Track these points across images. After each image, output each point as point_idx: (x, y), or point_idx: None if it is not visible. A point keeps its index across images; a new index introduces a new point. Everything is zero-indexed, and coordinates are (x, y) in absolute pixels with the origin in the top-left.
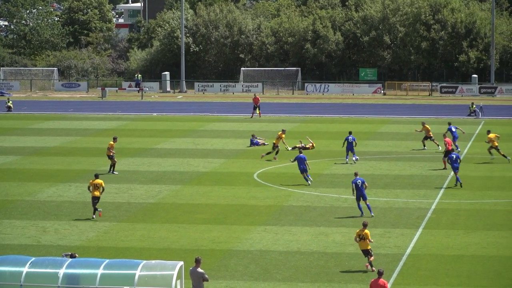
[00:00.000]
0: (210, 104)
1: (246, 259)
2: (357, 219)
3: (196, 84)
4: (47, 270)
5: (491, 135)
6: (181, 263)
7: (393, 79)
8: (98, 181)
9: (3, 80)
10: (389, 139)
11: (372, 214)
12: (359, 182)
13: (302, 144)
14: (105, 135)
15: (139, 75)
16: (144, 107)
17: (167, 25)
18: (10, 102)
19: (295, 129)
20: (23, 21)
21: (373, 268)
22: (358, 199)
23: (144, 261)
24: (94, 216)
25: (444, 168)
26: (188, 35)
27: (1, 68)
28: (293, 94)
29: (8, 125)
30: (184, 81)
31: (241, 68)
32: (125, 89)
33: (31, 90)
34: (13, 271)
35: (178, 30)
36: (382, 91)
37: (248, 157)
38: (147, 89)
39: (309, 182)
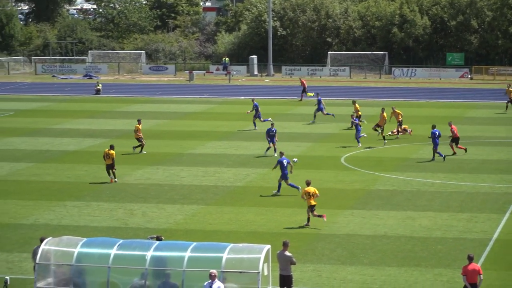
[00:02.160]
0: (297, 88)
1: (333, 243)
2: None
3: (283, 67)
4: (135, 252)
5: None
6: (268, 246)
7: (480, 64)
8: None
9: (91, 63)
10: (476, 123)
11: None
12: (285, 161)
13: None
14: (192, 118)
15: (227, 59)
16: (231, 91)
17: (255, 8)
18: (100, 85)
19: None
20: (111, 5)
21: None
22: (283, 178)
23: (232, 244)
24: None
25: (453, 153)
26: (275, 18)
27: (89, 51)
28: (380, 78)
29: (96, 108)
30: (271, 65)
31: (328, 52)
32: (212, 72)
33: (118, 73)
34: (101, 253)
35: (265, 13)
36: (469, 76)
37: (335, 141)
38: (234, 72)
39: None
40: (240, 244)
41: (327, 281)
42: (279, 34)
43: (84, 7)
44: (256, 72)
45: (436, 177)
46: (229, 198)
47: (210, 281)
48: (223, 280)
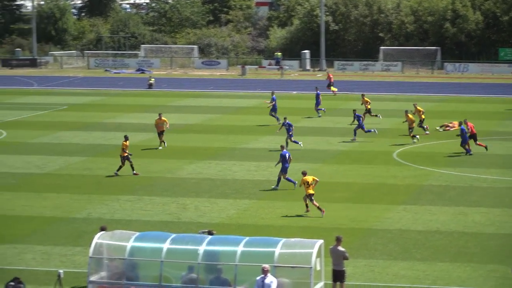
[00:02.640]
0: (350, 83)
1: (385, 238)
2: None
3: (335, 62)
4: (187, 246)
5: None
6: (321, 241)
7: None
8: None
9: (144, 57)
10: None
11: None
12: (287, 155)
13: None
14: (245, 112)
15: (279, 53)
16: (283, 85)
17: (307, 3)
18: (153, 79)
19: (434, 108)
20: None
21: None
22: (283, 171)
23: (284, 239)
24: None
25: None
26: (327, 13)
27: (142, 45)
28: (432, 73)
29: (149, 102)
30: (324, 60)
31: (380, 47)
32: (265, 67)
33: (171, 68)
34: (154, 247)
35: (317, 8)
36: None
37: (387, 136)
38: (287, 67)
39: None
40: (293, 239)
41: (380, 276)
42: (331, 29)
43: (137, 1)
44: (308, 67)
45: (489, 173)
46: (281, 193)
47: (262, 275)
48: (275, 275)
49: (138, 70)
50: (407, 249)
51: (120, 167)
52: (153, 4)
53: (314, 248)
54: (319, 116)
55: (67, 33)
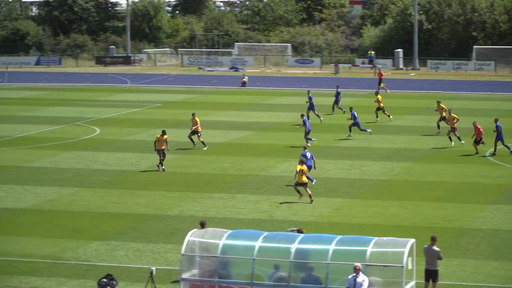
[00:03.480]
0: (442, 82)
1: (477, 237)
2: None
3: (428, 61)
4: (279, 245)
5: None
6: (413, 240)
7: None
8: (165, 137)
9: (237, 55)
10: None
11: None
12: (308, 155)
13: None
14: (338, 111)
15: (372, 52)
16: (376, 84)
17: (400, 2)
18: (246, 77)
19: None
20: None
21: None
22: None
23: (376, 238)
24: (161, 168)
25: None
26: (421, 12)
27: (235, 43)
28: None
29: (242, 100)
30: (416, 59)
31: (474, 46)
32: (358, 65)
33: (264, 66)
34: (247, 245)
35: (411, 7)
36: None
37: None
38: (380, 66)
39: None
40: (385, 238)
41: (471, 276)
42: (424, 27)
43: None
44: (401, 66)
45: None
46: (374, 191)
47: (354, 274)
48: (367, 274)
49: (231, 68)
50: (499, 249)
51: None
52: (247, 2)
53: (406, 247)
54: (331, 114)
55: (161, 31)
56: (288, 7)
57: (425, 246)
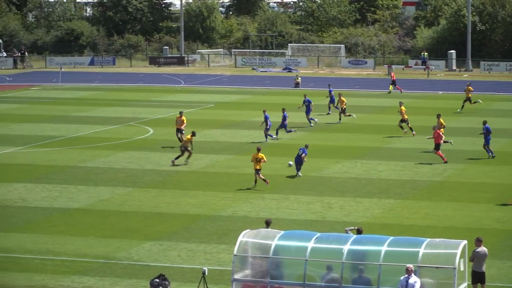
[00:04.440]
0: (495, 84)
1: None
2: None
3: (481, 63)
4: (332, 245)
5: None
6: (465, 242)
7: None
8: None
9: (290, 56)
10: None
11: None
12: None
13: None
14: (390, 112)
15: (426, 53)
16: (429, 85)
17: (454, 3)
18: (299, 78)
19: None
20: None
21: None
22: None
23: (428, 239)
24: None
25: (445, 162)
26: (474, 13)
27: (289, 44)
28: None
29: (295, 101)
30: (470, 60)
31: None
32: (411, 67)
33: (318, 67)
34: (299, 246)
35: (464, 8)
36: None
37: None
38: (433, 67)
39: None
40: (437, 239)
41: None
42: (477, 29)
43: (285, 0)
44: (454, 67)
45: None
46: (426, 192)
47: (406, 275)
48: (419, 275)
49: (285, 68)
50: None
51: (186, 155)
52: (301, 3)
53: (458, 249)
54: (328, 113)
55: (215, 32)
56: (342, 7)
57: (476, 249)
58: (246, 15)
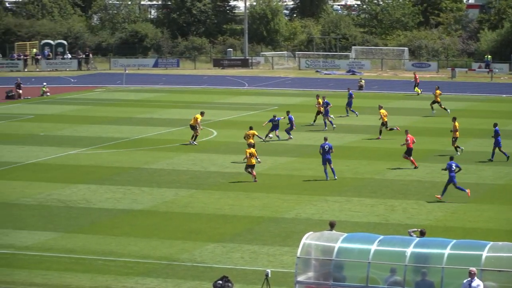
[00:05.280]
0: None
1: None
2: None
3: None
4: (395, 248)
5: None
6: None
7: None
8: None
9: (354, 59)
10: None
11: (336, 177)
12: (326, 147)
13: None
14: (454, 115)
15: (489, 56)
16: (493, 89)
17: None
18: (363, 81)
19: None
20: (375, 1)
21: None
22: (324, 163)
23: (491, 243)
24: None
25: (415, 167)
26: None
27: (352, 47)
28: None
29: (359, 103)
30: None
31: None
32: (474, 70)
33: (381, 69)
34: (362, 249)
35: None
36: None
37: None
38: (496, 70)
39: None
40: (500, 243)
41: None
42: None
43: (348, 3)
44: None
45: None
46: (489, 196)
47: (469, 279)
48: (482, 278)
49: (348, 71)
50: None
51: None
52: (364, 6)
53: None
54: (347, 116)
55: (279, 34)
56: (405, 10)
57: None
58: (310, 18)
